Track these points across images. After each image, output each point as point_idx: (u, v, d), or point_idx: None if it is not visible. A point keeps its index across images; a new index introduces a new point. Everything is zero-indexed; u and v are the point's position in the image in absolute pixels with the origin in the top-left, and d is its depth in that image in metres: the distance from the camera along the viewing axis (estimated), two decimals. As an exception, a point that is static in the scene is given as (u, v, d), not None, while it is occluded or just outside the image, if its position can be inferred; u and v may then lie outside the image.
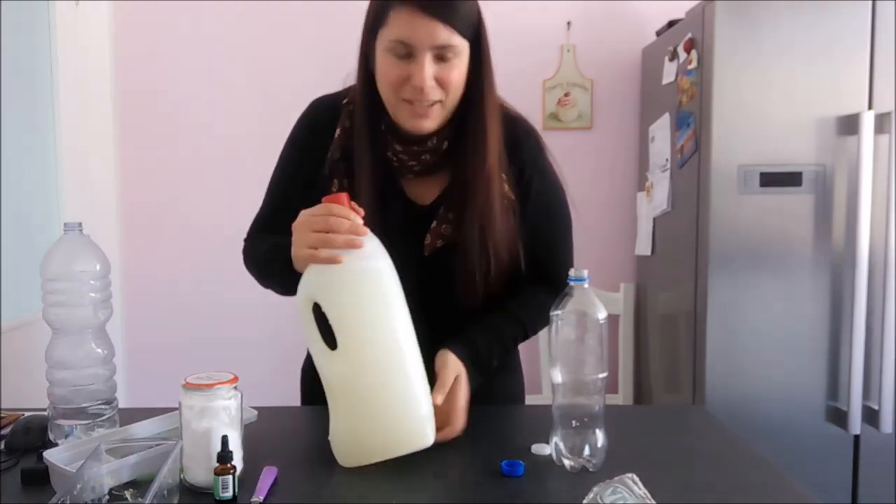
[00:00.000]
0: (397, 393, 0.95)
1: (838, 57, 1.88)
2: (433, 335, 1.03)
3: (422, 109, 1.04)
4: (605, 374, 0.94)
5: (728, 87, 1.90)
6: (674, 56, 2.16)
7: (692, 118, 2.03)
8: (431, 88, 1.01)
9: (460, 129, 1.10)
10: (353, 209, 0.95)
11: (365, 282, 0.94)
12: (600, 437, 0.94)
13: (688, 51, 2.05)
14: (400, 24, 0.99)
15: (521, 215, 1.14)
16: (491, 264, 1.10)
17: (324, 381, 0.96)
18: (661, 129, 2.27)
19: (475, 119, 1.08)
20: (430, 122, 1.06)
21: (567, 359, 0.93)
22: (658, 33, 2.36)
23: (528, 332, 1.17)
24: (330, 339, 0.94)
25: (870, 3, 1.87)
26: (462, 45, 1.02)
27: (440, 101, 1.04)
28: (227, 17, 2.51)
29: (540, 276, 1.18)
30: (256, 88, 2.53)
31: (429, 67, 1.00)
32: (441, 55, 1.01)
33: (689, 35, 2.04)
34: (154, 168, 2.55)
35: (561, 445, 0.94)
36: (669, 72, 2.20)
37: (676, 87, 2.14)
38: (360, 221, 0.95)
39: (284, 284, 1.05)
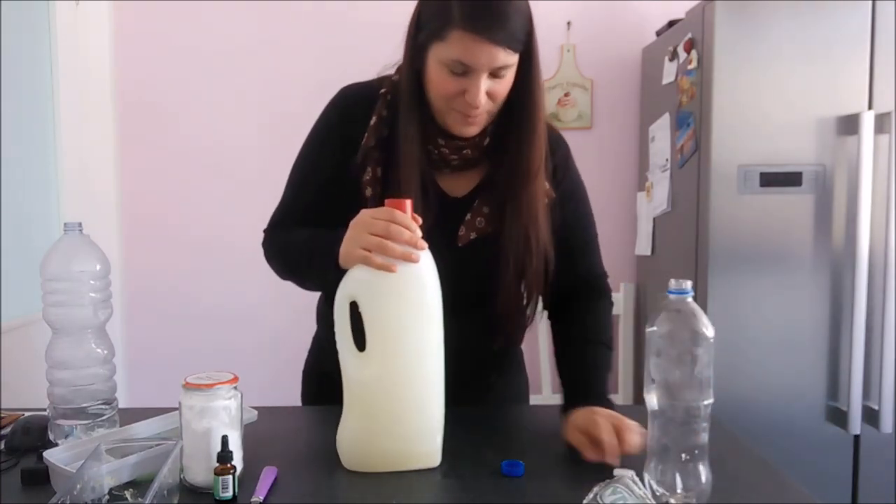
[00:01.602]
0: (415, 408, 0.95)
1: (838, 57, 1.88)
2: (460, 329, 1.02)
3: (471, 119, 1.06)
4: (711, 401, 0.83)
5: (728, 87, 1.90)
6: (674, 56, 2.16)
7: (692, 118, 2.03)
8: (484, 103, 1.03)
9: (505, 126, 1.11)
10: (415, 219, 0.95)
11: (410, 293, 0.94)
12: (703, 471, 0.83)
13: (688, 51, 2.05)
14: (461, 47, 0.99)
15: (554, 214, 1.15)
16: (534, 260, 1.11)
17: (345, 381, 0.96)
18: (661, 129, 2.27)
19: (525, 118, 1.09)
20: (477, 127, 1.08)
21: (668, 383, 0.82)
22: (658, 33, 2.36)
23: (612, 347, 1.19)
24: (360, 340, 0.94)
25: (870, 3, 1.87)
26: (515, 60, 1.03)
27: (488, 111, 1.06)
28: (228, 17, 2.50)
29: (578, 274, 1.20)
30: (257, 88, 2.52)
31: (484, 86, 1.01)
32: (496, 74, 1.02)
33: (689, 35, 2.04)
34: (154, 168, 2.55)
35: (657, 481, 0.84)
36: (669, 72, 2.20)
37: (676, 87, 2.14)
38: (419, 234, 0.94)
39: (321, 279, 1.05)
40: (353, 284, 0.94)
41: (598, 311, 1.20)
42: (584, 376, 1.12)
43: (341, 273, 0.96)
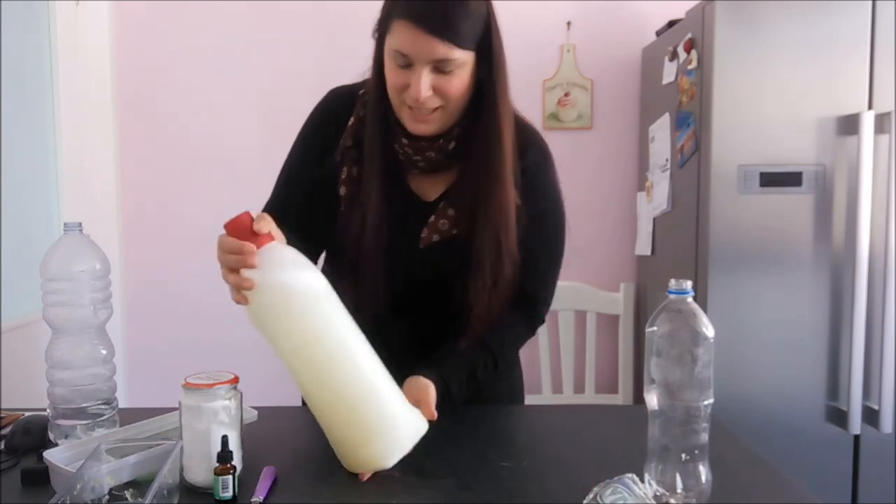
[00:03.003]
0: (344, 415, 0.92)
1: (838, 57, 1.88)
2: (416, 334, 1.02)
3: (421, 116, 1.05)
4: (711, 401, 0.82)
5: (728, 87, 1.90)
6: (674, 56, 2.16)
7: (692, 118, 2.03)
8: (428, 98, 1.02)
9: (471, 130, 1.10)
10: (256, 233, 0.88)
11: (269, 306, 0.89)
12: (703, 471, 0.83)
13: (688, 51, 2.05)
14: (400, 37, 1.01)
15: (520, 225, 1.12)
16: (505, 265, 1.10)
17: None
18: (661, 129, 2.27)
19: (489, 122, 1.08)
20: (430, 126, 1.07)
21: (668, 382, 0.82)
22: (658, 33, 2.36)
23: (500, 365, 1.16)
24: None
25: (870, 3, 1.87)
26: (463, 58, 1.02)
27: (441, 107, 1.05)
28: (228, 16, 2.50)
29: (519, 296, 1.15)
30: (257, 87, 2.52)
31: (426, 79, 1.01)
32: (440, 68, 1.01)
33: (689, 35, 2.04)
34: (154, 168, 2.55)
35: (657, 481, 0.84)
36: (669, 72, 2.20)
37: (676, 87, 2.14)
38: (253, 249, 0.87)
39: None
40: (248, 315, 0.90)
41: (513, 327, 1.18)
42: (448, 355, 1.11)
43: None
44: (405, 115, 1.07)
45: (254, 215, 0.90)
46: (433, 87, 1.02)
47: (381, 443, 0.92)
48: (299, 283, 0.89)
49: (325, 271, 1.06)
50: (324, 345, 0.90)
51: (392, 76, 1.04)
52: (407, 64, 1.01)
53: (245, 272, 0.87)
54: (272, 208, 1.19)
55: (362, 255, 1.10)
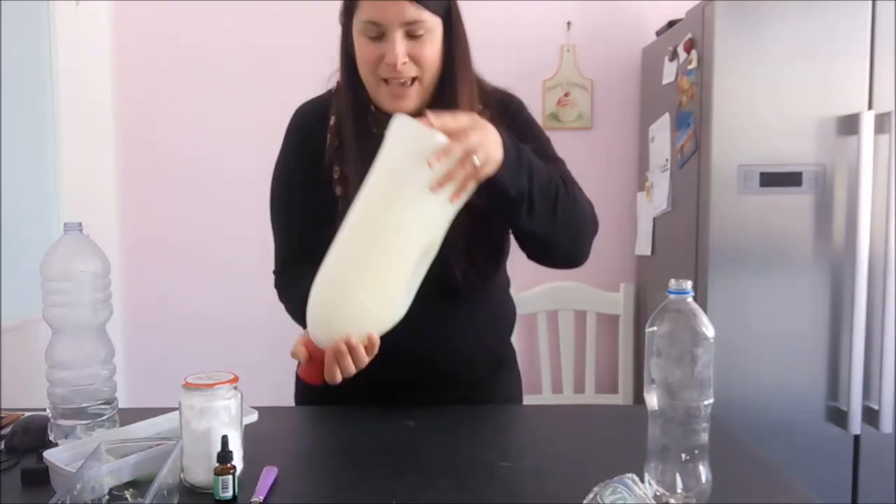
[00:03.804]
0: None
1: (838, 57, 1.88)
2: (423, 315, 1.02)
3: (399, 89, 1.07)
4: (711, 401, 0.82)
5: (728, 87, 1.90)
6: (674, 56, 2.16)
7: (692, 118, 2.03)
8: (405, 65, 1.04)
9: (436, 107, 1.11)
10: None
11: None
12: (703, 471, 0.83)
13: (688, 51, 2.05)
14: (370, 6, 1.03)
15: None
16: (482, 230, 1.11)
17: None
18: (661, 129, 2.27)
19: (448, 94, 1.10)
20: (409, 101, 1.08)
21: (668, 383, 0.81)
22: (658, 33, 2.36)
23: (568, 187, 1.10)
24: None
25: (870, 3, 1.87)
26: (433, 21, 1.05)
27: (417, 79, 1.07)
28: (228, 17, 2.50)
29: None
30: (257, 88, 2.52)
31: (400, 45, 1.03)
32: (412, 32, 1.04)
33: (689, 35, 2.04)
34: (154, 168, 2.55)
35: (657, 481, 0.84)
36: (669, 72, 2.20)
37: (676, 87, 2.14)
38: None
39: None
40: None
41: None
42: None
43: None
44: (383, 94, 1.08)
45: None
46: (408, 55, 1.04)
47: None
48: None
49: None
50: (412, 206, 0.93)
51: (365, 52, 1.06)
52: (379, 34, 1.04)
53: None
54: (284, 250, 1.21)
55: None
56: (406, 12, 1.02)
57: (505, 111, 1.17)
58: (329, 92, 1.20)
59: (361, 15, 1.05)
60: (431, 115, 0.91)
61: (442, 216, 0.96)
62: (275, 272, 1.24)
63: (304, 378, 1.03)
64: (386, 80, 1.07)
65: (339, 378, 0.98)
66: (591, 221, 1.14)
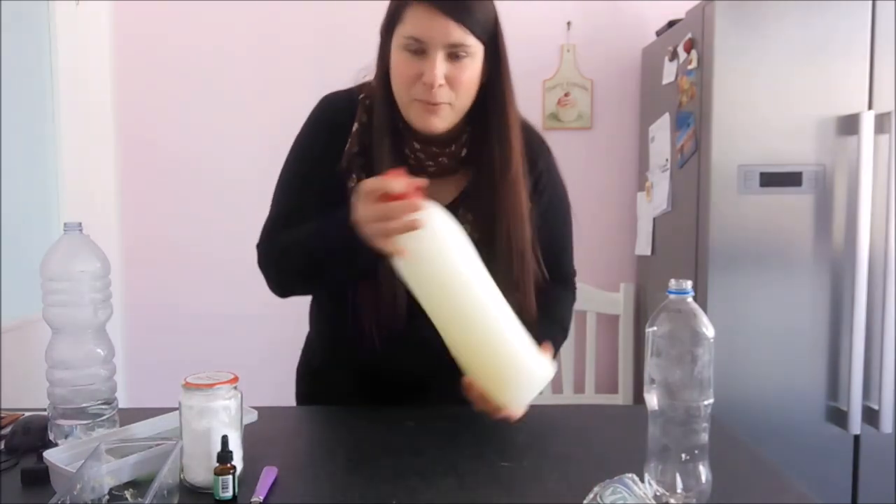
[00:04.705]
0: (475, 352, 0.97)
1: (838, 57, 1.88)
2: (438, 342, 1.02)
3: (433, 107, 1.04)
4: (711, 401, 0.82)
5: (728, 87, 1.90)
6: (674, 56, 2.16)
7: (692, 118, 2.03)
8: (441, 87, 1.02)
9: (482, 134, 1.10)
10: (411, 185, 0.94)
11: (429, 253, 0.95)
12: (703, 471, 0.83)
13: (688, 51, 2.05)
14: (415, 21, 1.01)
15: (536, 218, 1.15)
16: (524, 267, 1.11)
17: None
18: (661, 129, 2.27)
19: (500, 126, 1.09)
20: (440, 121, 1.06)
21: (668, 383, 0.81)
22: (658, 33, 2.36)
23: (566, 335, 1.22)
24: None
25: (870, 3, 1.87)
26: (476, 46, 1.03)
27: (449, 104, 1.05)
28: (228, 17, 2.50)
29: (558, 277, 1.22)
30: (257, 88, 2.52)
31: (440, 65, 1.01)
32: (454, 54, 1.01)
33: (689, 35, 2.04)
34: (154, 168, 2.55)
35: (657, 481, 0.84)
36: (669, 72, 2.20)
37: (676, 87, 2.14)
38: (406, 191, 0.94)
39: (338, 267, 1.06)
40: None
41: (562, 300, 1.25)
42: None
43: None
44: (414, 112, 1.06)
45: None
46: (446, 77, 1.02)
47: (517, 379, 0.96)
48: (453, 228, 0.97)
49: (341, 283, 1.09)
50: (472, 287, 0.97)
51: (403, 67, 1.03)
52: (420, 50, 1.01)
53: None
54: (279, 221, 1.17)
55: (381, 263, 1.07)
56: (452, 34, 1.00)
57: (533, 166, 1.16)
58: (359, 87, 1.16)
59: (404, 29, 1.02)
60: None
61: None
62: (258, 245, 1.19)
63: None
64: (418, 99, 1.04)
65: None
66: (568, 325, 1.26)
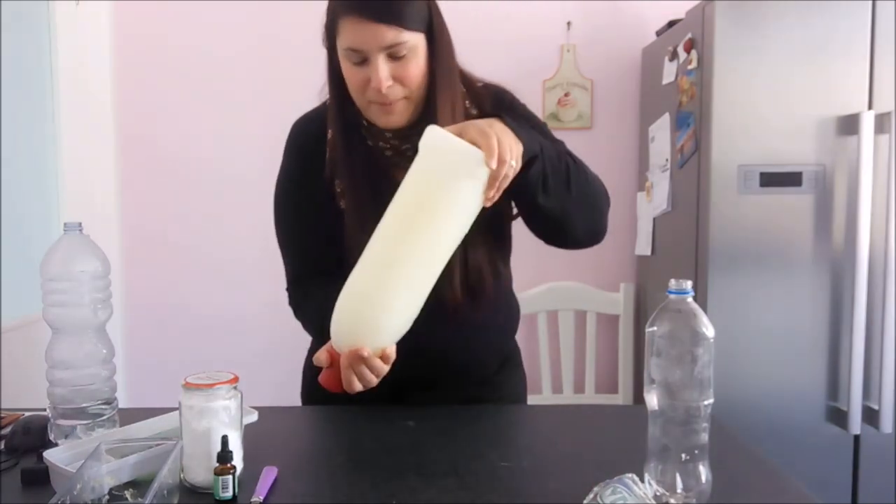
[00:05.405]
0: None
1: (838, 57, 1.88)
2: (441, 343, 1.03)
3: (388, 107, 1.06)
4: (711, 401, 0.82)
5: (728, 87, 1.90)
6: (674, 56, 2.16)
7: (692, 118, 2.03)
8: (390, 88, 1.04)
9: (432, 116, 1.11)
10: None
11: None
12: (703, 471, 0.83)
13: (688, 51, 2.05)
14: (348, 33, 1.02)
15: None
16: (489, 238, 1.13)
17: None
18: (661, 129, 2.27)
19: (431, 109, 1.09)
20: (398, 117, 1.08)
21: (668, 383, 0.81)
22: (658, 33, 2.36)
23: (577, 161, 1.13)
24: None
25: (870, 3, 1.87)
26: (414, 39, 1.03)
27: (405, 98, 1.06)
28: (228, 17, 2.50)
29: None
30: (257, 88, 2.52)
31: (383, 69, 1.02)
32: (394, 54, 1.02)
33: (689, 35, 2.04)
34: (154, 168, 2.55)
35: (657, 481, 0.84)
36: (669, 72, 2.20)
37: (676, 87, 2.14)
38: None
39: None
40: None
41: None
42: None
43: None
44: (373, 113, 1.08)
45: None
46: (392, 77, 1.03)
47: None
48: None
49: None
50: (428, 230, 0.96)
51: (351, 77, 1.06)
52: (362, 59, 1.03)
53: None
54: (296, 265, 1.21)
55: None
56: (385, 37, 1.01)
57: (500, 105, 1.17)
58: (324, 104, 1.19)
59: (342, 42, 1.04)
60: (455, 129, 0.94)
61: (467, 227, 0.98)
62: (287, 290, 1.23)
63: (324, 385, 1.03)
64: (373, 101, 1.07)
65: (357, 387, 0.98)
66: (604, 194, 1.16)
